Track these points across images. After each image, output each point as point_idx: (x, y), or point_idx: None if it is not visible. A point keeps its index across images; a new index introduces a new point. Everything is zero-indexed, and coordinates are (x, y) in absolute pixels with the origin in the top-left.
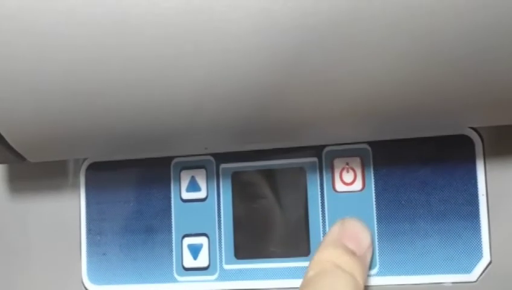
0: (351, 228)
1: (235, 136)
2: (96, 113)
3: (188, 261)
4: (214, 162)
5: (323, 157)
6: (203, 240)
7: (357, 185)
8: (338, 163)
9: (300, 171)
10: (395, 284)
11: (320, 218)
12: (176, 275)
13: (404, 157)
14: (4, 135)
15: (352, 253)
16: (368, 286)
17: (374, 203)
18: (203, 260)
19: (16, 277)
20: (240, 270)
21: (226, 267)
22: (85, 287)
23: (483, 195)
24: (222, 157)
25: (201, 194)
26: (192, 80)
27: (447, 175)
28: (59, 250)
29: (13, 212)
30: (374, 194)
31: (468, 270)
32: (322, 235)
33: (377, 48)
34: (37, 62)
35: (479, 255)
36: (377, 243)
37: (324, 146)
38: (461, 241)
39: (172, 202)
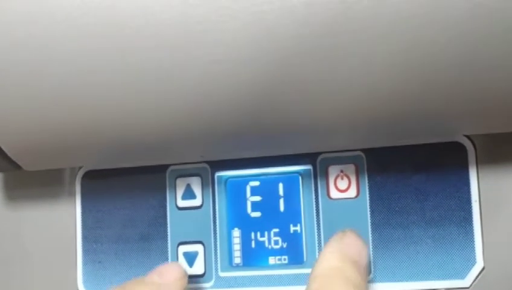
0: (353, 244)
1: (230, 144)
2: (92, 122)
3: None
4: (209, 170)
5: (318, 164)
6: (198, 248)
7: (352, 192)
8: (332, 170)
9: (295, 178)
10: None
11: (315, 225)
12: None
13: (398, 164)
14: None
15: (358, 267)
16: None
17: (368, 210)
18: (198, 268)
19: (11, 284)
20: (236, 278)
21: (222, 274)
22: None
23: (476, 201)
24: (217, 165)
25: (197, 202)
26: (188, 89)
27: (441, 182)
28: (55, 258)
29: (9, 221)
30: (368, 201)
31: (461, 276)
32: (316, 242)
33: (371, 57)
34: (33, 72)
35: (473, 261)
36: (371, 249)
37: (319, 153)
38: (455, 248)
39: (168, 209)
